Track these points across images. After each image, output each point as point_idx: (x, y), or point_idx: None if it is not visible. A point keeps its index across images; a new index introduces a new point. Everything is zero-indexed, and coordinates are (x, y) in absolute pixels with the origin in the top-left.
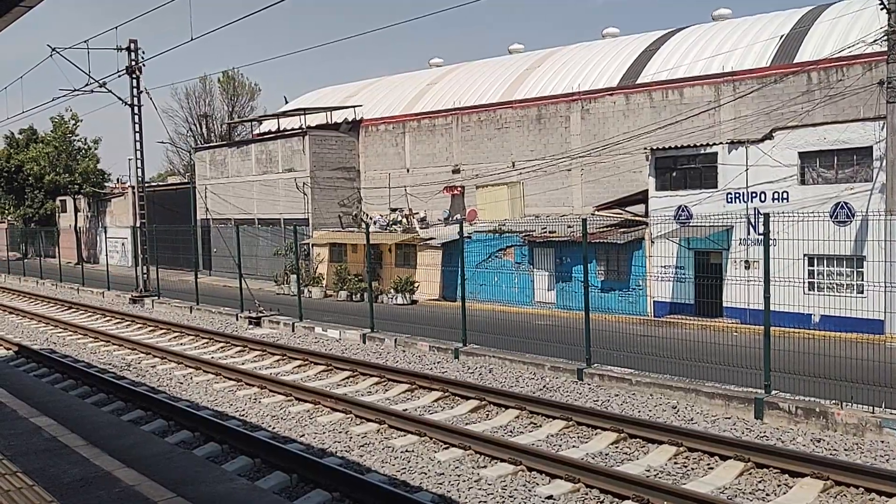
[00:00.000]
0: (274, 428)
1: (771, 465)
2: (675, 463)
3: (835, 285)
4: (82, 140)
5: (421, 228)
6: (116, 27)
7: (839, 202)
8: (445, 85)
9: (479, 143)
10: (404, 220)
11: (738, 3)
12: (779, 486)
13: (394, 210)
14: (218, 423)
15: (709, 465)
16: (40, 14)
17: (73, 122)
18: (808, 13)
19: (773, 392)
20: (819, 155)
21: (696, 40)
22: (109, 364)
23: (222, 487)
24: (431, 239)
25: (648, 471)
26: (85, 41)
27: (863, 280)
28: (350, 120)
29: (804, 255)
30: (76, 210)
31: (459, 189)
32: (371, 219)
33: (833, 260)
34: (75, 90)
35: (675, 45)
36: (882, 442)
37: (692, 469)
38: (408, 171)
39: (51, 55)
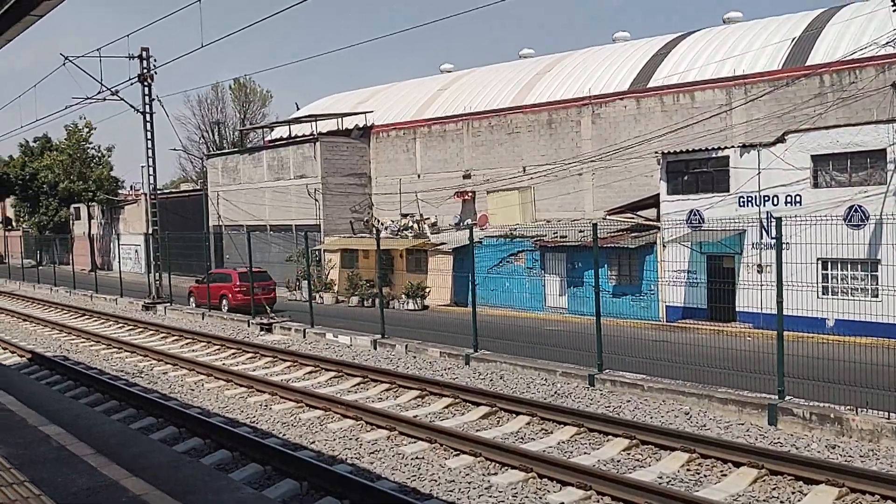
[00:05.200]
0: (285, 435)
1: (785, 471)
2: (688, 470)
3: (849, 289)
4: (96, 148)
5: (432, 234)
6: (128, 35)
7: (853, 205)
8: (456, 90)
9: (490, 149)
10: (415, 226)
11: (749, 5)
12: (793, 493)
13: (405, 216)
14: (229, 430)
15: (722, 472)
16: (53, 23)
17: (87, 130)
18: (820, 15)
19: (787, 398)
20: (832, 158)
21: (707, 44)
22: (122, 371)
23: (229, 496)
24: (442, 244)
25: (661, 478)
26: (97, 49)
27: (878, 284)
28: (361, 126)
29: (818, 259)
30: (90, 217)
31: (470, 194)
32: (382, 224)
33: (847, 264)
34: (88, 98)
35: (686, 49)
36: None
37: (705, 476)
38: (419, 176)
39: (63, 64)
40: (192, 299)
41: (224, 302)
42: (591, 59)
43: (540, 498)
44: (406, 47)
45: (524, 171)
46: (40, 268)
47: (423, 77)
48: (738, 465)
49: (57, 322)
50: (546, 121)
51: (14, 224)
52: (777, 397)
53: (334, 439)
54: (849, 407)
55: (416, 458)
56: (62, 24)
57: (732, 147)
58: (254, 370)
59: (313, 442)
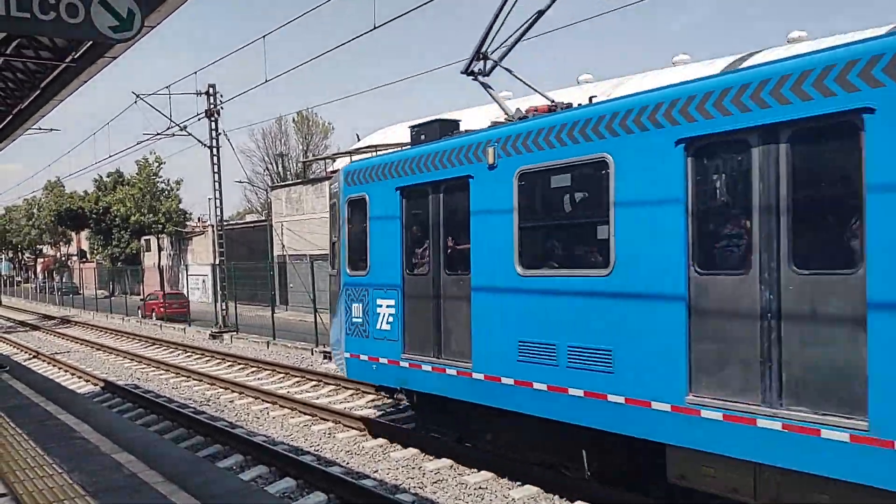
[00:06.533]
0: (348, 463)
1: None
2: None
3: None
4: (165, 181)
5: None
6: (196, 72)
7: None
8: None
9: None
10: None
11: (815, 25)
12: None
13: None
14: (294, 459)
15: None
16: (125, 64)
17: (157, 164)
18: None
19: None
20: None
21: None
22: (189, 399)
23: None
24: None
25: None
26: (167, 87)
27: None
28: None
29: None
30: (159, 249)
31: None
32: None
33: None
34: (158, 134)
35: None
36: None
37: None
38: None
39: (135, 102)
40: (139, 311)
41: (153, 313)
42: (652, 82)
43: None
44: (464, 77)
45: None
46: (112, 298)
47: (482, 105)
48: None
49: (128, 351)
50: None
51: (88, 256)
52: None
53: (397, 468)
54: None
55: (480, 487)
56: (135, 64)
57: None
58: (317, 398)
59: (376, 471)
